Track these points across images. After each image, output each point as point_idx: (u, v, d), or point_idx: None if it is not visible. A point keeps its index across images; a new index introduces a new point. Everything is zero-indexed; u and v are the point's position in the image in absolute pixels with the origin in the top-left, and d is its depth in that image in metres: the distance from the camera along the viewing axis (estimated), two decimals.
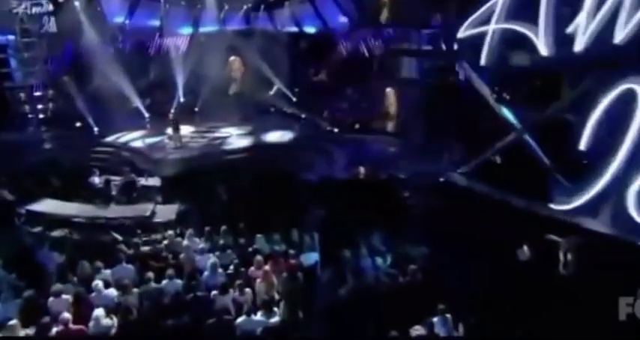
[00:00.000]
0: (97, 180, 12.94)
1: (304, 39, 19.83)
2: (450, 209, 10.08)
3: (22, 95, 17.74)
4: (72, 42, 18.27)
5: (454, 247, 8.37)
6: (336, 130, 17.13)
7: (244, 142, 16.43)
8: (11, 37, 17.62)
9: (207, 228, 10.20)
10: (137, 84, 18.19)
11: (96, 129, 17.71)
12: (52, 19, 17.18)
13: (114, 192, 12.81)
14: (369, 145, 15.79)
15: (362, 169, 12.76)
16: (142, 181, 13.22)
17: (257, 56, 18.83)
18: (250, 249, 9.73)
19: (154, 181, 13.47)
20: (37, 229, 11.96)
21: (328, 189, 11.88)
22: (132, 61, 18.12)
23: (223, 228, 10.29)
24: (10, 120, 17.11)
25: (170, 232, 10.44)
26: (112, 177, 13.12)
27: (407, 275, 8.36)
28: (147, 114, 18.76)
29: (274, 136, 16.97)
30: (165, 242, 10.33)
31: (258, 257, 9.05)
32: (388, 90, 17.99)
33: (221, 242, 9.98)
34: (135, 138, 17.04)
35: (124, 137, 17.16)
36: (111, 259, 9.24)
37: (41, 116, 18.11)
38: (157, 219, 11.78)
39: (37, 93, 17.78)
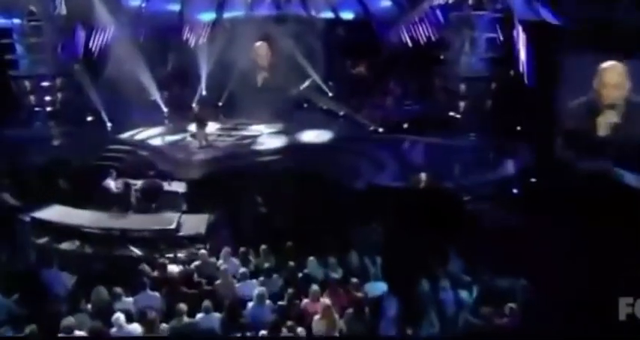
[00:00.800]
0: (112, 183, 11.77)
1: (341, 26, 18.84)
2: (544, 226, 8.59)
3: (28, 85, 16.99)
4: (83, 26, 17.60)
5: (566, 279, 6.85)
6: (381, 130, 15.98)
7: (277, 142, 15.49)
8: (16, 21, 17.01)
9: (243, 248, 9.28)
10: (155, 75, 17.26)
11: (109, 124, 16.91)
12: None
13: (132, 198, 11.61)
14: (423, 148, 14.81)
15: (423, 176, 11.31)
16: (165, 186, 12.01)
17: (288, 44, 17.78)
18: (300, 274, 8.54)
19: (178, 186, 12.38)
20: (43, 240, 10.93)
21: (384, 200, 10.52)
22: (149, 49, 17.12)
23: (263, 247, 9.10)
24: (14, 114, 16.36)
25: (202, 251, 9.16)
26: (131, 181, 11.95)
27: (504, 317, 7.10)
28: (165, 109, 17.91)
29: (310, 136, 15.98)
30: (197, 262, 9.10)
31: (314, 288, 7.87)
32: (438, 84, 16.90)
33: (266, 265, 8.67)
34: (153, 136, 16.22)
35: (141, 134, 16.33)
36: (132, 282, 8.33)
37: (49, 109, 17.33)
38: (183, 232, 10.54)
39: (45, 84, 17.13)
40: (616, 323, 4.76)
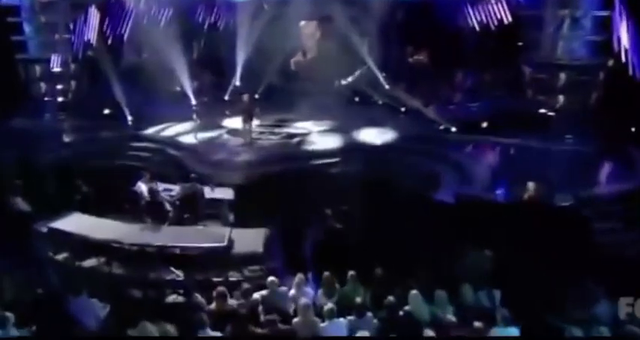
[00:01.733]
0: (144, 188, 10.50)
1: (400, 7, 18.05)
2: None
3: (38, 71, 16.47)
4: (99, 5, 16.94)
5: None
6: (454, 130, 14.97)
7: (332, 142, 14.55)
8: None
9: (326, 274, 7.82)
10: (181, 61, 16.76)
11: (130, 118, 16.19)
12: None
13: (168, 207, 10.30)
14: (514, 151, 13.63)
15: (531, 186, 9.92)
16: (207, 192, 10.75)
17: (339, 26, 17.05)
18: (401, 313, 7.15)
19: (224, 193, 11.04)
20: (62, 256, 9.73)
21: (485, 216, 9.14)
22: (175, 33, 16.75)
23: (351, 273, 7.83)
24: (22, 104, 15.56)
25: (272, 278, 7.79)
26: (165, 186, 10.70)
27: None
28: (194, 101, 17.13)
29: (369, 135, 15.08)
30: (264, 292, 7.69)
31: (430, 333, 6.35)
32: (524, 75, 15.72)
33: (357, 299, 7.28)
34: (182, 132, 15.43)
35: (168, 130, 15.63)
36: (185, 317, 7.00)
37: (60, 99, 16.75)
38: (237, 251, 9.21)
39: (56, 70, 16.47)
40: None
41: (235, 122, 15.08)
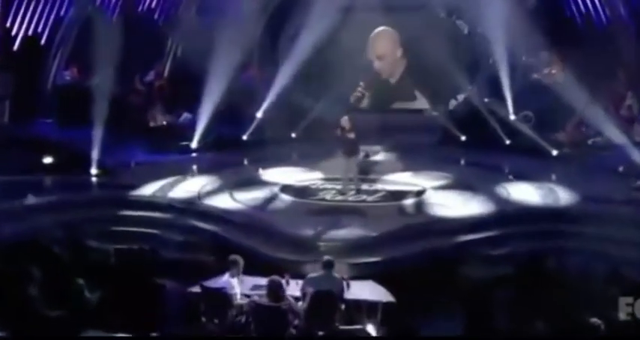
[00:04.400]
0: (237, 289, 8.25)
1: None
2: None
3: None
4: None
5: None
6: None
7: (469, 205, 12.56)
8: None
9: None
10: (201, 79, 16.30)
11: (95, 171, 14.11)
12: None
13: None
14: None
15: None
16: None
17: (428, 36, 16.84)
18: None
19: (368, 290, 8.83)
20: None
21: None
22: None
23: None
24: None
25: None
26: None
27: None
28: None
29: (522, 192, 13.11)
30: None
31: None
32: None
33: None
34: (216, 190, 13.32)
35: (177, 188, 13.44)
36: None
37: None
38: None
39: None
40: None
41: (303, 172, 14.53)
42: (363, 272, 9.88)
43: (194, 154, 15.85)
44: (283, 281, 7.91)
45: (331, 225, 11.48)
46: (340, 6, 17.10)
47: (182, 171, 14.33)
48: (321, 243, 10.86)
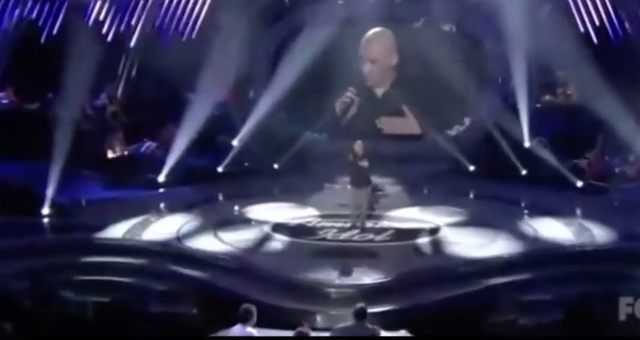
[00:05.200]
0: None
1: None
2: None
3: None
4: None
5: None
6: None
7: (490, 244, 12.46)
8: None
9: None
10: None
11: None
12: None
13: None
14: None
15: None
16: None
17: (427, 49, 16.95)
18: None
19: None
20: None
21: None
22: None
23: None
24: None
25: None
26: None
27: None
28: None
29: (548, 228, 13.15)
30: None
31: None
32: None
33: None
34: (199, 229, 13.26)
35: (147, 229, 13.23)
36: None
37: None
38: None
39: None
40: None
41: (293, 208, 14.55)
42: (383, 322, 9.27)
43: (162, 189, 15.46)
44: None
45: (339, 268, 11.28)
46: (331, 18, 17.05)
47: (151, 209, 14.02)
48: (332, 290, 10.63)
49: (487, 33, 17.10)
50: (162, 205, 14.54)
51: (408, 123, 17.96)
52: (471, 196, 15.70)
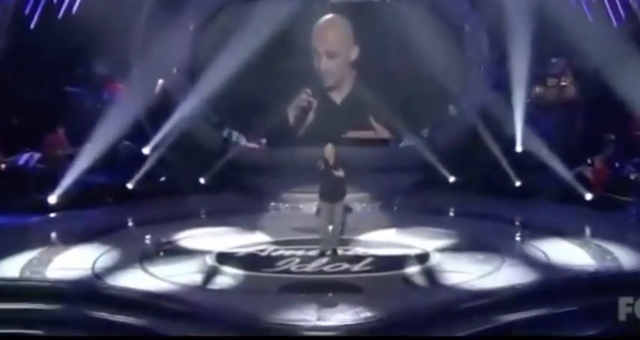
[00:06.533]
0: None
1: None
2: None
3: None
4: None
5: None
6: None
7: (493, 273, 12.50)
8: None
9: None
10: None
11: None
12: None
13: None
14: None
15: None
16: None
17: (390, 37, 18.00)
18: None
19: None
20: None
21: None
22: None
23: None
24: None
25: None
26: None
27: None
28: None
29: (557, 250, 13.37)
30: None
31: None
32: None
33: None
34: (120, 263, 13.03)
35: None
36: None
37: None
38: None
39: None
40: None
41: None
42: None
43: (54, 214, 15.09)
44: None
45: (314, 306, 10.79)
46: None
47: (47, 239, 13.75)
48: (310, 334, 10.20)
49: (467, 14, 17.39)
50: (59, 233, 14.29)
51: (375, 133, 18.34)
52: (451, 214, 16.01)
